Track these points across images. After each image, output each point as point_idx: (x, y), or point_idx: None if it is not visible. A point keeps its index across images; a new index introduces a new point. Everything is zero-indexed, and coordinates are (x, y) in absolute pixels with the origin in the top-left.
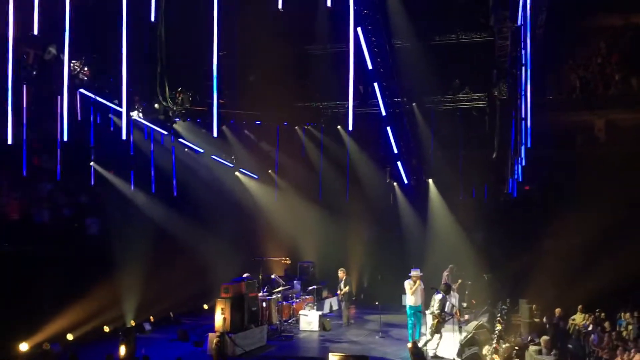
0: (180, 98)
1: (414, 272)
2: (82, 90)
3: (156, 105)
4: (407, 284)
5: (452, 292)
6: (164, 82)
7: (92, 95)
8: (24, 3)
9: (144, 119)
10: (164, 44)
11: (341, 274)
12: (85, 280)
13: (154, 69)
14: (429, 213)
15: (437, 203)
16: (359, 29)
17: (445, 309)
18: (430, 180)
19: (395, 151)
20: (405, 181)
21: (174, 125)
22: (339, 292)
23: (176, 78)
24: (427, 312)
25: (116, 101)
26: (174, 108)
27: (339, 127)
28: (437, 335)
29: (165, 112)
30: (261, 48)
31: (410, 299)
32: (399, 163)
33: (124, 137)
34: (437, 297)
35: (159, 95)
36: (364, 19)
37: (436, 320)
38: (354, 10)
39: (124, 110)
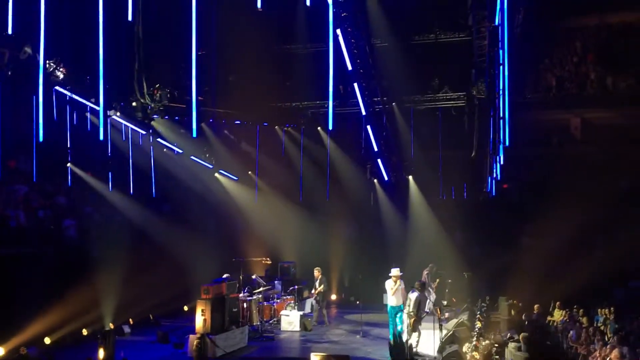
0: (158, 95)
1: (394, 271)
2: (57, 88)
3: (134, 103)
4: (388, 284)
5: (430, 290)
6: (141, 78)
7: (68, 93)
8: None
9: (121, 117)
10: (141, 40)
11: (317, 273)
12: (62, 282)
13: (131, 66)
14: (409, 210)
15: (418, 200)
16: (338, 31)
17: (425, 308)
18: (410, 177)
19: (376, 149)
20: (386, 178)
21: (153, 124)
22: (313, 291)
23: (154, 75)
24: (404, 311)
25: (93, 100)
26: (152, 105)
27: (319, 128)
28: (415, 334)
29: (143, 110)
30: (240, 47)
31: (391, 299)
32: (379, 160)
33: (101, 137)
34: (413, 296)
35: (137, 92)
36: (344, 20)
37: (412, 319)
38: (334, 12)
39: (101, 109)
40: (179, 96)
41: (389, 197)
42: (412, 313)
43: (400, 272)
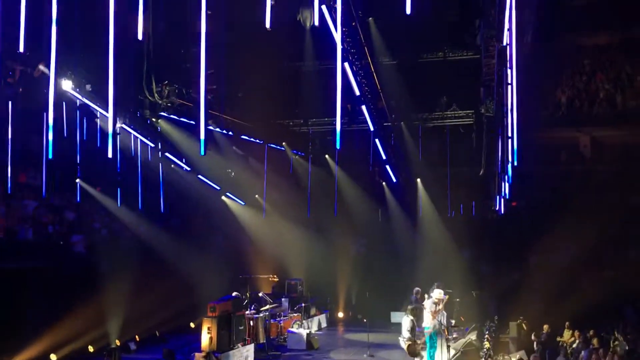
0: (166, 91)
1: (437, 294)
2: (67, 90)
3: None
4: (429, 304)
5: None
6: (150, 76)
7: (78, 96)
8: (9, 19)
9: (131, 127)
10: (151, 39)
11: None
12: (69, 298)
13: (139, 74)
14: (418, 220)
15: (426, 203)
16: (346, 64)
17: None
18: (418, 180)
19: (384, 157)
20: (394, 180)
21: (161, 124)
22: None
23: (162, 74)
24: (400, 337)
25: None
26: (160, 102)
27: (327, 156)
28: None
29: (151, 107)
30: (249, 64)
31: (429, 321)
32: (387, 166)
33: (109, 154)
34: (406, 320)
35: (145, 89)
36: (352, 54)
37: (408, 344)
38: (342, 49)
39: (110, 126)
40: (187, 94)
41: (398, 201)
42: (406, 338)
43: (444, 294)
